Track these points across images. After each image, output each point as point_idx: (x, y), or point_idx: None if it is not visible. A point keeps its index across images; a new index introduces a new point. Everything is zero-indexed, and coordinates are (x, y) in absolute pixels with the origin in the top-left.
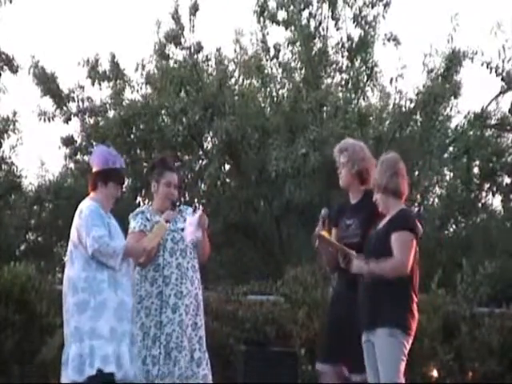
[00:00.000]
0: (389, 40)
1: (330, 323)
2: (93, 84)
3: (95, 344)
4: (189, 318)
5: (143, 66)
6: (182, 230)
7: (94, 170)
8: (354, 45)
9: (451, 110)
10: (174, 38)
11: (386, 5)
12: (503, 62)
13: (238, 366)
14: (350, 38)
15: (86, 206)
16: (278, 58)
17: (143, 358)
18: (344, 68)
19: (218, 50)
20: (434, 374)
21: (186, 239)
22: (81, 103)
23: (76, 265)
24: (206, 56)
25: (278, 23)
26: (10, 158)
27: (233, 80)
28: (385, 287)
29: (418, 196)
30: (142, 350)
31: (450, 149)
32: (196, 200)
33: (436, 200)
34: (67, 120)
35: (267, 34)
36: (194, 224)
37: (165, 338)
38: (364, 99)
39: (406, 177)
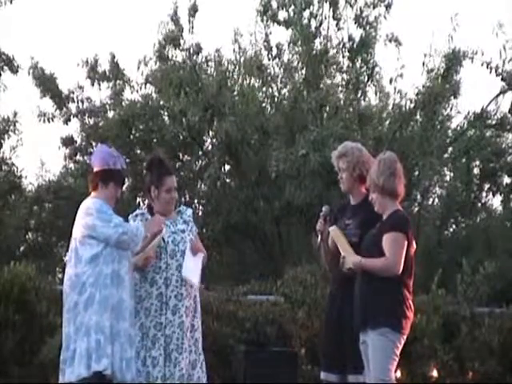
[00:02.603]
0: (390, 41)
1: (326, 328)
2: (92, 84)
3: (101, 339)
4: (189, 320)
5: (146, 64)
6: (183, 231)
7: (95, 169)
8: (355, 45)
9: (451, 109)
10: (174, 39)
11: (388, 6)
12: (503, 62)
13: (238, 366)
14: (351, 38)
15: (92, 202)
16: (279, 58)
17: (142, 358)
18: (345, 68)
19: (218, 50)
20: (434, 373)
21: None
22: (80, 104)
23: (83, 261)
24: (206, 57)
25: (279, 23)
26: (10, 158)
27: (233, 81)
28: (376, 288)
29: (418, 196)
30: (140, 351)
31: (450, 149)
32: (196, 200)
33: (436, 200)
34: (67, 120)
35: (270, 33)
36: (199, 266)
37: (164, 340)
38: (364, 99)
39: (403, 177)
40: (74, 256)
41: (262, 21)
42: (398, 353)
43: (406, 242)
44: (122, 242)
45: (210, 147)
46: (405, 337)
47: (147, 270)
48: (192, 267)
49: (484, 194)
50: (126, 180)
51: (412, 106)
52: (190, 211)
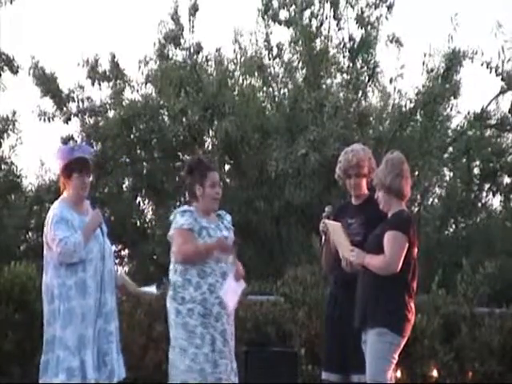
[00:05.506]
0: (391, 41)
1: (328, 328)
2: (93, 84)
3: (61, 355)
4: (230, 327)
5: (146, 63)
6: (226, 238)
7: (59, 172)
8: (355, 45)
9: (451, 109)
10: (174, 38)
11: (390, 6)
12: (503, 62)
13: (238, 366)
14: (351, 38)
15: (51, 210)
16: (280, 58)
17: (193, 356)
18: (345, 68)
19: (218, 50)
20: (434, 373)
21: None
22: (81, 103)
23: (49, 271)
24: (206, 56)
25: (279, 22)
26: (9, 157)
27: (233, 80)
28: (377, 288)
29: (418, 196)
30: (189, 349)
31: (450, 149)
32: None
33: (436, 200)
34: (67, 120)
35: (271, 33)
36: (238, 293)
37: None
38: (365, 100)
39: (410, 178)
40: (44, 263)
41: (263, 20)
42: (396, 355)
43: (406, 243)
44: (65, 261)
45: (209, 147)
46: (404, 339)
47: (192, 273)
48: (231, 291)
49: (484, 194)
50: (126, 179)
51: (412, 106)
52: (229, 217)
